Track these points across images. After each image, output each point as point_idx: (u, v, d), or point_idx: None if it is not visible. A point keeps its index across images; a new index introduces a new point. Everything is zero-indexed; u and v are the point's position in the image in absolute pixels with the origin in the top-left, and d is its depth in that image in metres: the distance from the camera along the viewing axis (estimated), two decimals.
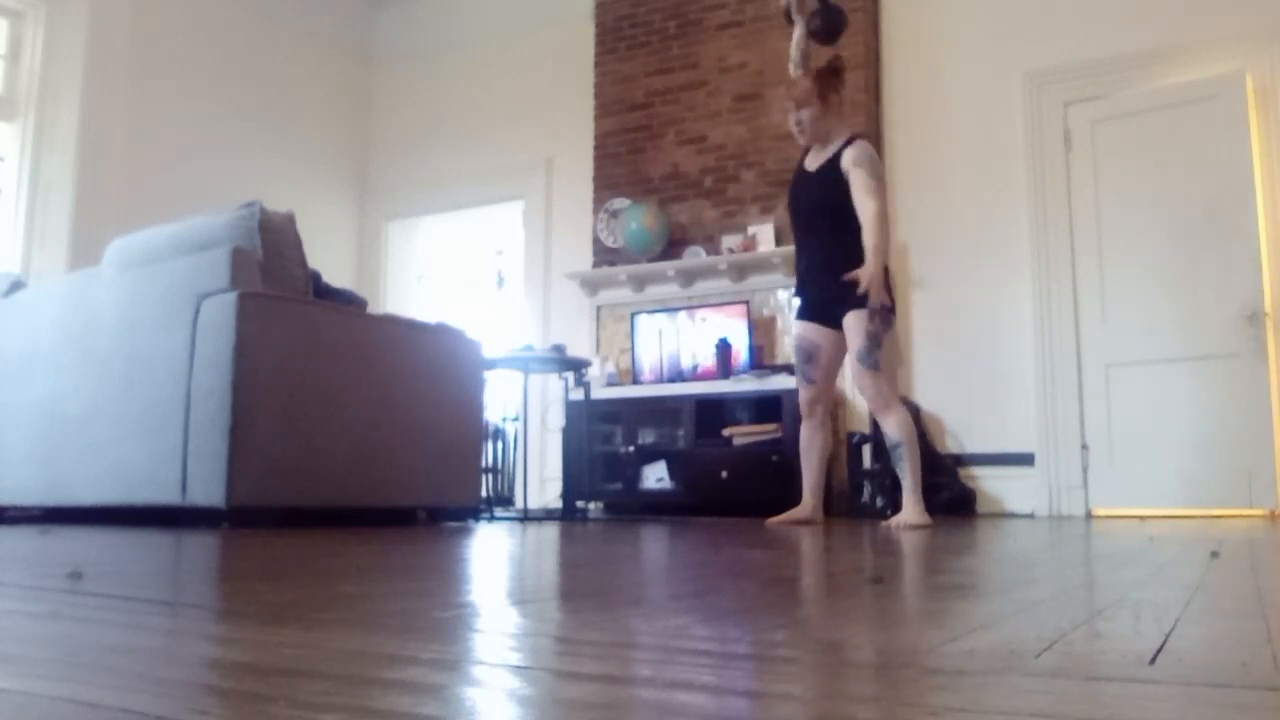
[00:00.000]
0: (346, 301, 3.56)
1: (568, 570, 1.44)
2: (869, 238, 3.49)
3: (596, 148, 6.27)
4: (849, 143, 3.66)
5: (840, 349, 3.73)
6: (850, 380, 3.55)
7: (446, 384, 3.80)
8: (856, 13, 5.58)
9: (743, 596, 1.06)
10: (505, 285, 7.37)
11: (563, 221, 6.57)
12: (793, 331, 5.49)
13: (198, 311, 3.17)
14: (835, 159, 3.65)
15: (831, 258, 3.62)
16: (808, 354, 3.77)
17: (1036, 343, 5.11)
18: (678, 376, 5.63)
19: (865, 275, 3.46)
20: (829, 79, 3.71)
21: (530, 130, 6.79)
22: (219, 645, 0.71)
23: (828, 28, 3.84)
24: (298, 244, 3.42)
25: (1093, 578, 1.30)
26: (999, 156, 5.33)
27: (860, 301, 3.53)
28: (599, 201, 6.19)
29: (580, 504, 5.30)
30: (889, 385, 3.55)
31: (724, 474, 5.16)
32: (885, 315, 3.55)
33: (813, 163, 3.76)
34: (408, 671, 0.60)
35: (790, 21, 3.92)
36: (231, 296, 3.09)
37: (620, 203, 6.09)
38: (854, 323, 3.55)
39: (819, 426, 3.78)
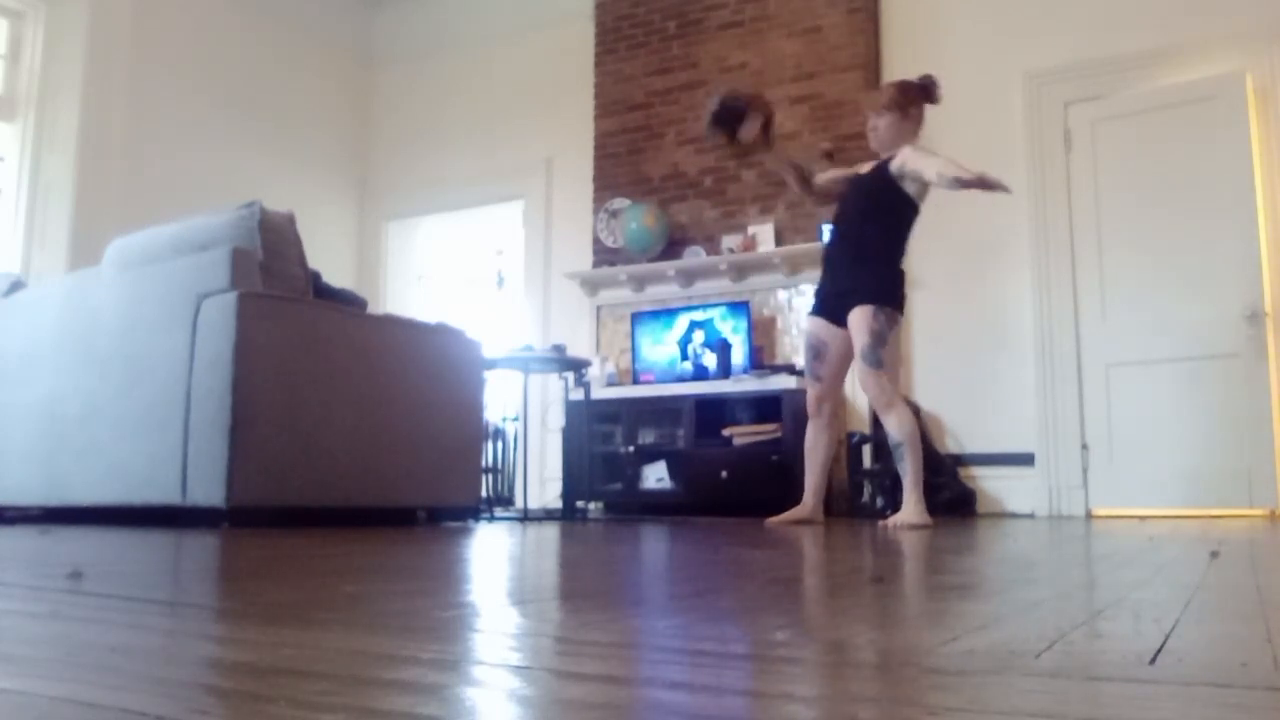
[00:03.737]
0: (346, 301, 3.56)
1: (568, 570, 1.44)
2: (959, 172, 3.31)
3: (596, 148, 6.27)
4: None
5: (849, 347, 3.74)
6: (855, 377, 3.57)
7: (446, 384, 3.80)
8: (857, 13, 5.58)
9: (743, 596, 1.06)
10: (505, 285, 7.37)
11: (563, 221, 6.57)
12: (802, 327, 5.52)
13: (198, 311, 3.17)
14: (887, 162, 3.65)
15: (857, 253, 3.63)
16: (816, 350, 3.78)
17: (1036, 343, 5.11)
18: (677, 377, 5.63)
19: (984, 179, 3.24)
20: (914, 93, 3.66)
21: (530, 130, 6.79)
22: (219, 645, 0.71)
23: (722, 118, 3.67)
24: (298, 244, 3.41)
25: (1093, 578, 1.30)
26: (999, 156, 5.33)
27: (867, 298, 3.55)
28: (599, 201, 6.19)
29: (580, 504, 5.30)
30: (891, 384, 3.56)
31: (724, 474, 5.16)
32: (891, 315, 3.57)
33: (868, 167, 3.78)
34: (408, 671, 0.60)
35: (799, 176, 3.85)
36: (231, 296, 3.09)
37: (620, 203, 6.09)
38: (859, 319, 3.56)
39: (825, 426, 3.78)
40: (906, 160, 3.55)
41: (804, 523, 3.69)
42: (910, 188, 3.61)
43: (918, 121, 3.70)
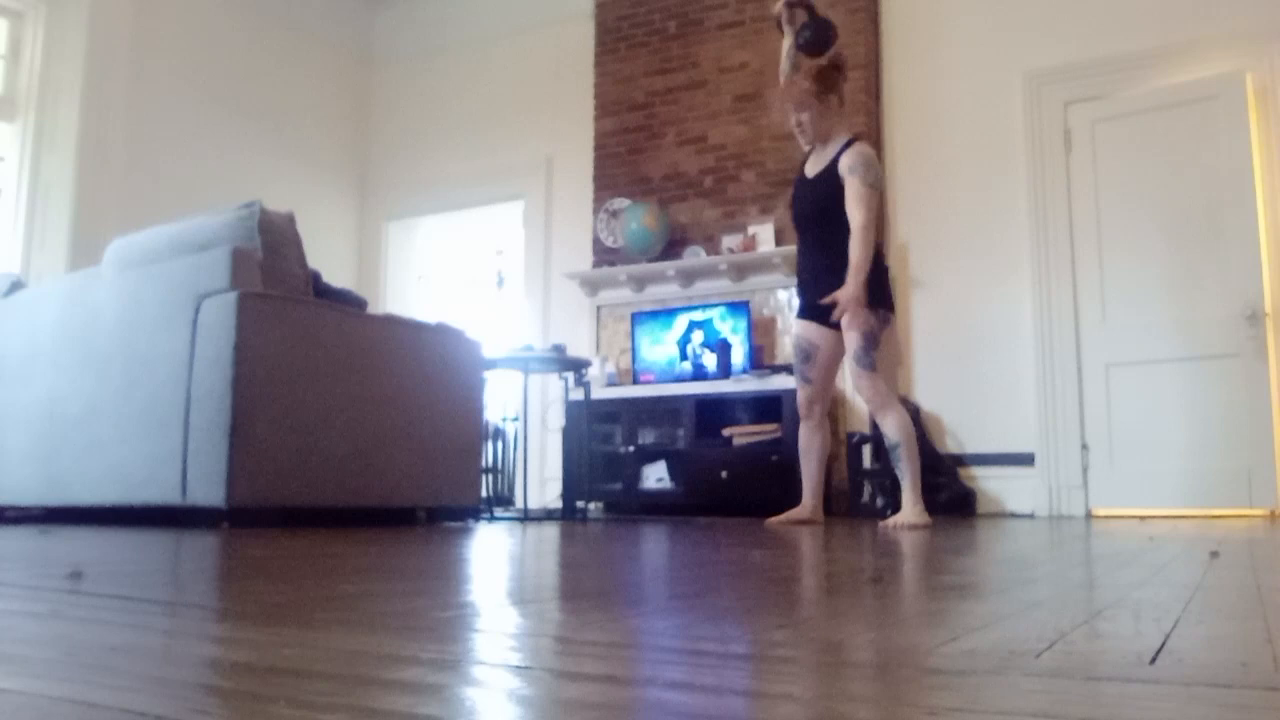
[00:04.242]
0: (346, 301, 3.56)
1: (568, 570, 1.44)
2: (853, 252, 3.51)
3: (596, 148, 6.27)
4: (848, 145, 3.66)
5: (839, 349, 3.74)
6: (849, 380, 3.58)
7: (446, 384, 3.80)
8: (857, 13, 5.58)
9: (743, 596, 1.06)
10: (505, 285, 7.37)
11: (563, 221, 6.57)
12: (793, 331, 5.53)
13: (198, 311, 3.17)
14: (834, 163, 3.65)
15: (831, 260, 3.64)
16: (806, 353, 3.78)
17: (1036, 343, 5.11)
18: (677, 377, 5.63)
19: (843, 296, 3.49)
20: (828, 78, 3.67)
21: (530, 130, 6.79)
22: (219, 645, 0.71)
23: (816, 40, 3.79)
24: (298, 244, 3.42)
25: (1093, 578, 1.30)
26: (999, 156, 5.33)
27: (859, 301, 3.55)
28: (599, 201, 6.19)
29: (580, 504, 5.30)
30: (886, 385, 3.56)
31: (724, 474, 5.16)
32: (883, 316, 3.57)
33: (813, 167, 3.76)
34: (408, 671, 0.60)
35: (782, 30, 3.92)
36: (231, 296, 3.09)
37: (620, 203, 6.09)
38: (850, 321, 3.57)
39: (817, 427, 3.79)
40: (847, 178, 3.58)
41: (804, 523, 3.69)
42: (845, 176, 3.61)
43: (839, 104, 3.73)
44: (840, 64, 3.71)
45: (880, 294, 3.59)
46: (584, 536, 2.59)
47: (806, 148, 3.82)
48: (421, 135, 7.28)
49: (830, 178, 3.64)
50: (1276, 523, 3.79)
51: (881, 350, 3.57)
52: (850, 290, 3.48)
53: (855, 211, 3.53)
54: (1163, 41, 5.00)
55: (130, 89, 5.86)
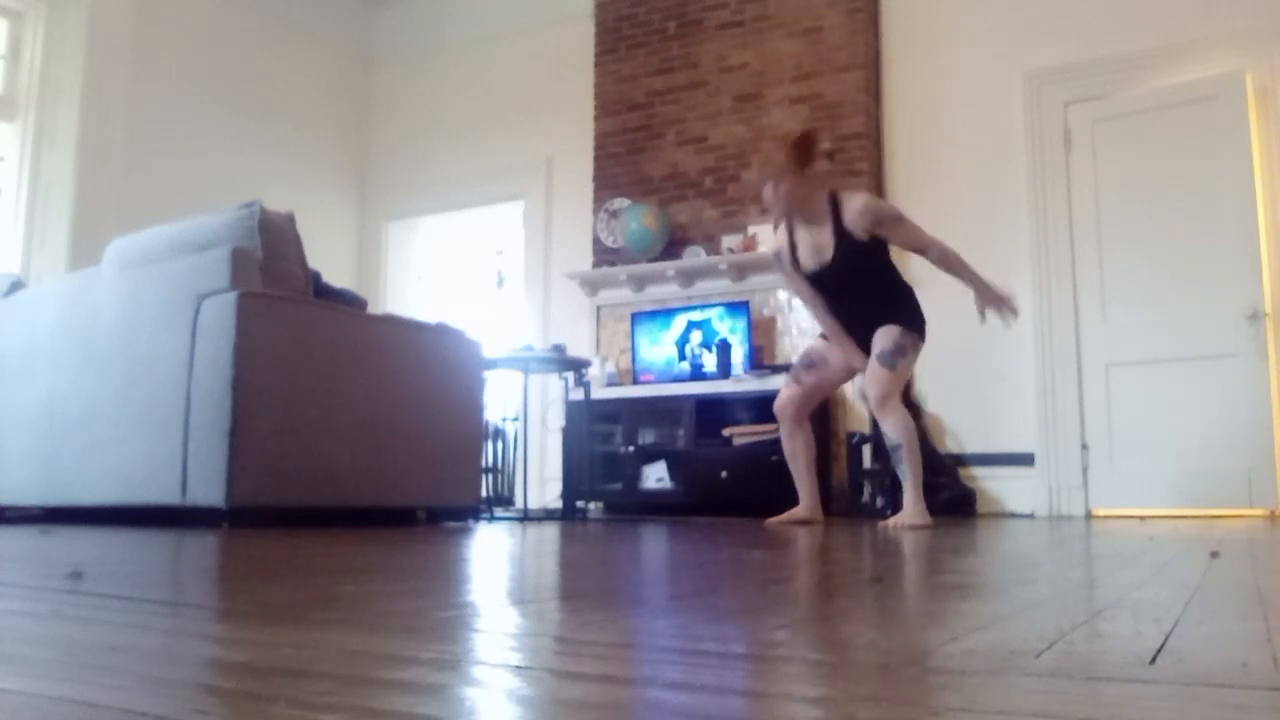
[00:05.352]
0: (346, 301, 3.55)
1: (568, 570, 1.44)
2: (960, 270, 3.56)
3: (596, 148, 6.27)
4: (837, 203, 3.58)
5: (842, 379, 3.79)
6: (865, 375, 3.58)
7: (446, 384, 3.80)
8: (857, 13, 5.58)
9: (743, 596, 1.06)
10: (505, 285, 7.37)
11: (563, 221, 6.57)
12: (802, 327, 5.53)
13: (198, 311, 3.17)
14: (841, 227, 3.56)
15: (874, 316, 3.65)
16: (811, 361, 3.80)
17: (1036, 343, 5.11)
18: (675, 377, 5.63)
19: (990, 298, 3.54)
20: (804, 151, 3.55)
21: (530, 130, 6.79)
22: (219, 645, 0.71)
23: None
24: (298, 244, 3.41)
25: (1093, 578, 1.30)
26: (999, 156, 5.33)
27: (899, 320, 3.61)
28: (599, 201, 6.19)
29: (580, 504, 5.30)
30: (897, 389, 3.57)
31: (724, 474, 5.16)
32: (914, 339, 3.62)
33: (811, 239, 3.65)
34: (408, 671, 0.60)
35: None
36: (231, 296, 3.09)
37: (620, 203, 6.09)
38: (886, 331, 3.60)
39: (796, 428, 3.80)
40: (883, 227, 3.54)
41: (803, 523, 3.70)
42: (876, 231, 3.56)
43: (813, 174, 3.61)
44: (812, 140, 3.58)
45: (921, 324, 3.66)
46: (584, 536, 2.59)
47: (779, 215, 3.68)
48: (421, 135, 7.28)
49: (851, 245, 3.56)
50: (1276, 523, 3.79)
51: (907, 359, 3.59)
52: (983, 284, 3.56)
53: (927, 244, 3.55)
54: (1163, 41, 5.00)
55: (130, 89, 5.86)
